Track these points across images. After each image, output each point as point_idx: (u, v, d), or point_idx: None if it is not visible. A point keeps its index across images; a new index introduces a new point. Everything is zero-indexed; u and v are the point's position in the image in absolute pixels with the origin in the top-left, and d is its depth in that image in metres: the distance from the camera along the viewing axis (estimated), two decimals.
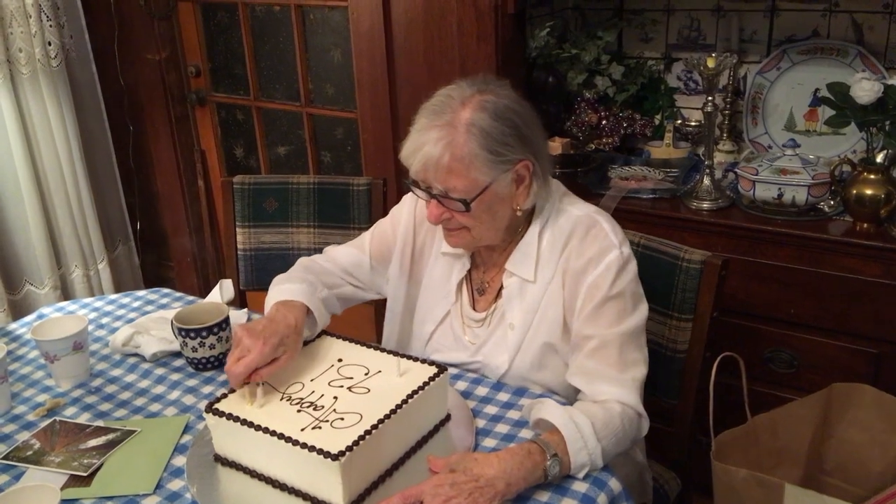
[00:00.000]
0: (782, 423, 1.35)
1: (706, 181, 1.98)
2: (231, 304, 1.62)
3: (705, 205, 1.96)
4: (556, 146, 2.20)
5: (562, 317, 1.33)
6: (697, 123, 2.28)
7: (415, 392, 1.15)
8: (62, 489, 1.12)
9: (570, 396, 1.32)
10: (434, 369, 1.21)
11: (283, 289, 1.36)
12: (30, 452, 1.23)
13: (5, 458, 1.22)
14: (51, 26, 2.65)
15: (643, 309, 1.33)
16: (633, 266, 1.33)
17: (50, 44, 2.65)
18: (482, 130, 1.23)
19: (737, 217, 1.92)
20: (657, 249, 1.59)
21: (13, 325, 1.67)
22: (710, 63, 1.86)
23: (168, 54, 2.93)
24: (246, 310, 1.71)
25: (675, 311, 1.56)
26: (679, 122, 2.31)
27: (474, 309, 1.43)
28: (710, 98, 1.92)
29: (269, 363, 1.19)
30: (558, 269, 1.34)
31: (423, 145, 1.24)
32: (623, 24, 2.34)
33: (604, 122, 2.28)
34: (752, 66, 2.17)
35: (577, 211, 1.36)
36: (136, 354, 1.51)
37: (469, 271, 1.44)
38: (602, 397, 1.23)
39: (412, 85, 2.27)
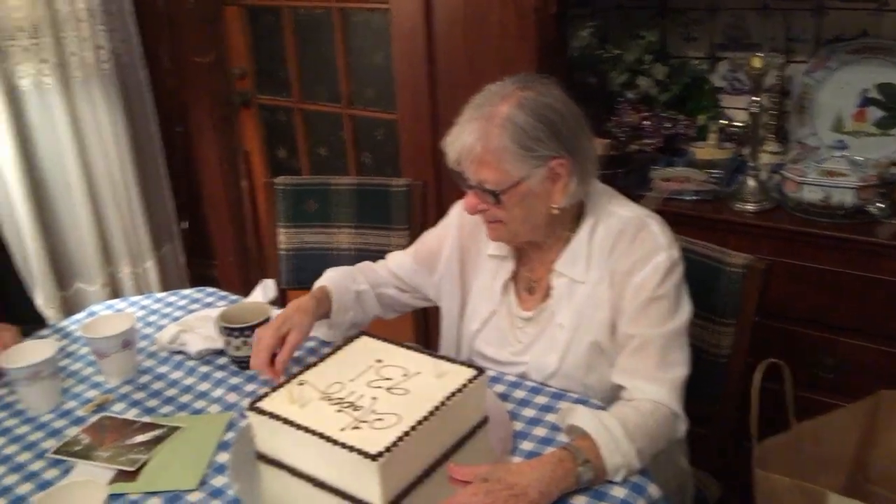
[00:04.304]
0: (826, 430, 1.33)
1: (751, 182, 1.95)
2: (273, 303, 1.65)
3: (749, 207, 1.93)
4: (596, 147, 2.18)
5: (609, 317, 1.34)
6: (742, 124, 2.24)
7: (453, 394, 1.16)
8: (110, 483, 1.16)
9: (613, 399, 1.32)
10: (472, 371, 1.22)
11: (323, 276, 1.54)
12: (79, 447, 1.27)
13: (56, 452, 1.26)
14: (102, 31, 2.72)
15: (687, 311, 1.33)
16: (680, 269, 1.34)
17: (101, 48, 2.72)
18: (515, 125, 1.26)
19: (782, 219, 1.88)
20: (699, 253, 1.58)
21: (65, 323, 1.72)
22: (757, 63, 1.83)
23: (215, 57, 2.98)
24: None
25: (718, 315, 1.55)
26: (724, 122, 2.27)
27: (522, 308, 1.44)
28: (755, 98, 1.89)
29: (282, 347, 1.36)
30: (607, 269, 1.35)
31: (460, 135, 1.30)
32: (666, 24, 2.31)
33: (646, 122, 2.26)
34: (798, 65, 2.13)
35: (627, 212, 1.37)
36: (181, 352, 1.54)
37: (517, 271, 1.46)
38: (639, 395, 1.25)
39: (452, 86, 2.27)
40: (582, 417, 1.18)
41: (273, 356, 1.36)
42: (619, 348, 1.33)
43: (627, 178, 2.15)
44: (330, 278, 1.53)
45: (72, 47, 2.65)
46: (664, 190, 2.06)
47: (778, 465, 1.25)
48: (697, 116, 2.29)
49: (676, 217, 1.96)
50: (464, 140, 1.29)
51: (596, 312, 1.35)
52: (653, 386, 1.26)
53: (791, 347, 1.87)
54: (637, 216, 1.36)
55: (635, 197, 2.00)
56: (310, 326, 1.41)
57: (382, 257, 1.65)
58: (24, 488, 1.18)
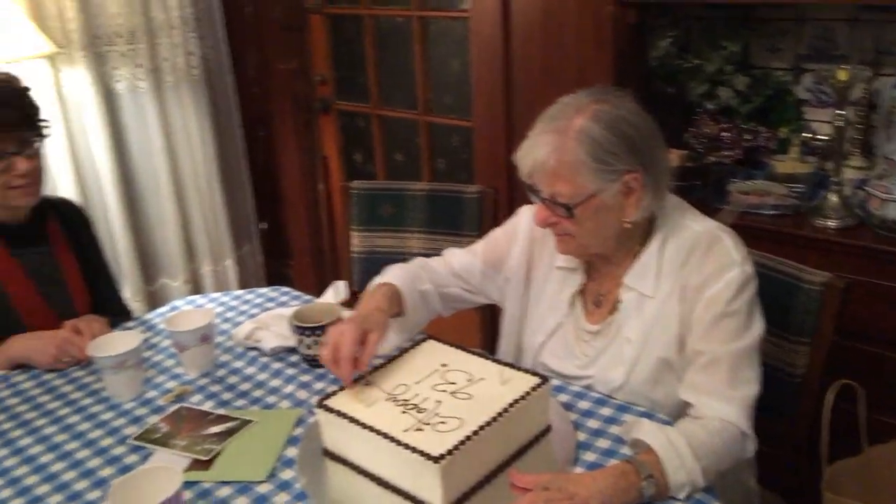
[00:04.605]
0: None
1: (833, 198, 1.89)
2: (344, 304, 1.69)
3: (831, 223, 1.87)
4: (673, 158, 2.16)
5: (678, 333, 1.32)
6: (827, 137, 2.17)
7: (516, 401, 1.17)
8: (185, 471, 1.21)
9: (680, 415, 1.30)
10: (536, 379, 1.22)
11: (387, 274, 1.48)
12: (158, 435, 1.33)
13: (136, 439, 1.33)
14: (193, 38, 2.84)
15: (759, 328, 1.30)
16: (753, 285, 1.30)
17: (192, 54, 2.85)
18: (591, 139, 1.24)
19: (865, 237, 1.82)
20: (775, 269, 1.54)
21: (149, 316, 1.81)
22: (842, 76, 1.78)
23: (298, 64, 3.08)
24: None
25: (792, 333, 1.51)
26: (807, 135, 2.21)
27: (589, 321, 1.44)
28: (840, 112, 1.83)
29: (364, 347, 1.27)
30: (677, 284, 1.33)
31: (534, 148, 1.28)
32: (750, 34, 2.26)
33: (725, 134, 2.22)
34: (887, 78, 2.05)
35: (700, 227, 1.35)
36: (255, 348, 1.60)
37: (585, 284, 1.45)
38: (707, 413, 1.22)
39: (528, 94, 2.28)
40: (647, 432, 1.17)
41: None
42: (688, 364, 1.30)
43: (704, 191, 2.12)
44: (396, 276, 1.48)
45: (165, 53, 2.78)
46: (742, 203, 2.02)
47: (848, 488, 1.21)
48: (779, 129, 2.23)
49: (754, 231, 1.93)
50: (537, 153, 1.28)
51: (665, 328, 1.33)
52: (722, 404, 1.23)
53: (870, 370, 1.79)
54: (710, 230, 1.33)
55: (712, 210, 1.98)
56: (387, 326, 1.38)
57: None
58: (107, 472, 1.25)
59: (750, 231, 1.92)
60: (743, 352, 1.26)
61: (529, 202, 1.41)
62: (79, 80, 2.59)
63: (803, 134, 2.21)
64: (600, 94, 1.30)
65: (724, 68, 2.20)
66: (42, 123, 1.67)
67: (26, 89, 1.66)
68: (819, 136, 2.19)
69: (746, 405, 1.24)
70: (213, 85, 3.02)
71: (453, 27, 2.67)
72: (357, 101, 3.08)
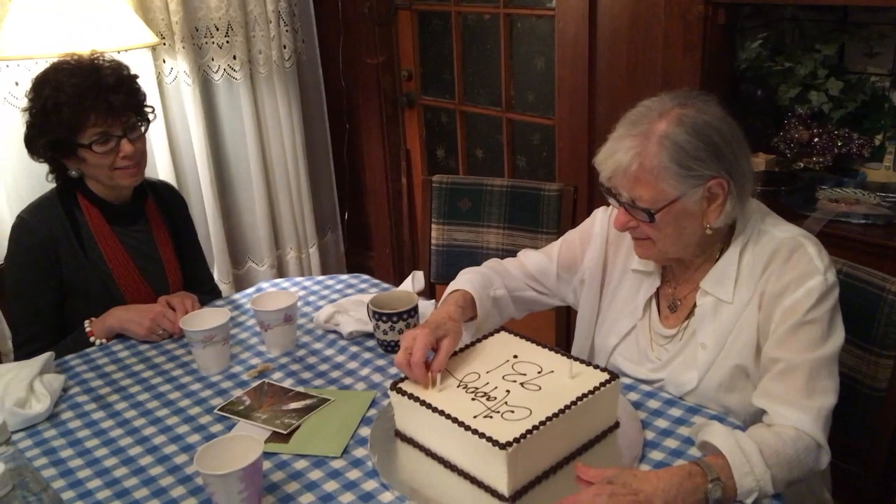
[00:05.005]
0: None
1: None
2: (421, 294, 1.73)
3: None
4: (759, 162, 2.13)
5: (755, 339, 1.31)
6: None
7: (585, 395, 1.18)
8: (265, 442, 1.28)
9: (754, 422, 1.29)
10: (606, 375, 1.24)
11: (461, 278, 1.50)
12: (241, 407, 1.41)
13: (221, 409, 1.40)
14: (287, 31, 2.94)
15: (838, 338, 1.27)
16: (835, 294, 1.28)
17: (285, 47, 2.95)
18: (675, 144, 1.23)
19: None
20: (860, 278, 1.50)
21: (236, 296, 1.90)
22: None
23: (385, 58, 3.15)
24: (433, 301, 1.82)
25: (876, 345, 1.46)
26: None
27: (664, 325, 1.43)
28: None
29: (435, 353, 1.28)
30: (756, 290, 1.31)
31: (615, 152, 1.27)
32: (845, 38, 2.19)
33: (815, 139, 2.16)
34: None
35: (781, 233, 1.32)
36: (334, 331, 1.66)
37: (660, 287, 1.45)
38: (781, 421, 1.20)
39: (612, 95, 2.28)
40: (717, 435, 1.16)
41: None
42: (763, 371, 1.28)
43: (791, 197, 2.07)
44: (469, 281, 1.49)
45: (259, 45, 2.89)
46: (830, 211, 1.97)
47: None
48: (874, 136, 2.16)
49: (842, 241, 1.88)
50: (619, 157, 1.26)
51: (741, 334, 1.31)
52: (797, 413, 1.21)
53: None
54: (792, 237, 1.31)
55: (799, 216, 1.94)
56: (460, 333, 1.37)
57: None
58: (193, 438, 1.33)
59: (838, 240, 1.88)
60: (821, 361, 1.24)
61: (607, 200, 1.42)
62: (178, 70, 2.73)
63: None
64: (684, 97, 1.29)
65: (817, 72, 2.15)
66: (147, 109, 1.77)
67: (135, 76, 1.77)
68: None
69: (822, 416, 1.22)
70: (303, 77, 3.12)
71: (539, 25, 2.68)
72: (441, 96, 3.13)
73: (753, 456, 1.11)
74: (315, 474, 1.22)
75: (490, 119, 2.97)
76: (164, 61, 2.70)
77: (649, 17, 2.12)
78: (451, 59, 3.01)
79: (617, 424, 1.27)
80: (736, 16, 2.07)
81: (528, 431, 1.10)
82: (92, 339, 1.66)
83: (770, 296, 1.29)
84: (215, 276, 2.77)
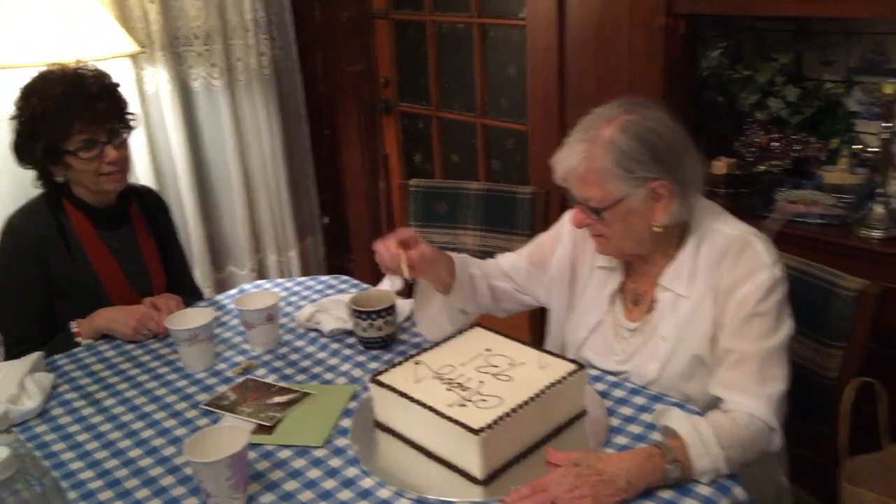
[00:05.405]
0: None
1: (879, 209, 1.92)
2: (399, 294, 1.80)
3: (876, 234, 1.90)
4: (721, 166, 2.22)
5: (711, 332, 1.39)
6: (876, 150, 2.19)
7: (553, 384, 1.26)
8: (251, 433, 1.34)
9: (711, 408, 1.37)
10: (573, 366, 1.32)
11: None
12: (226, 402, 1.46)
13: (207, 404, 1.46)
14: (265, 39, 3.00)
15: (787, 328, 1.36)
16: (783, 287, 1.36)
17: (263, 55, 3.01)
18: (618, 148, 1.33)
19: None
20: (814, 275, 1.59)
21: (219, 297, 1.96)
22: (888, 89, 1.82)
23: (363, 66, 3.22)
24: (411, 300, 1.88)
25: (828, 337, 1.56)
26: (858, 147, 2.23)
27: (628, 319, 1.52)
28: (887, 124, 1.87)
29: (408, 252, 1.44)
30: (710, 285, 1.39)
31: (567, 155, 1.39)
32: (802, 47, 2.30)
33: (775, 144, 2.26)
34: None
35: (732, 231, 1.41)
36: (316, 330, 1.73)
37: (624, 283, 1.53)
38: (736, 407, 1.29)
39: (581, 101, 2.36)
40: (676, 419, 1.24)
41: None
42: (718, 361, 1.37)
43: (752, 198, 2.16)
44: (452, 255, 1.59)
45: (238, 53, 2.95)
46: (788, 212, 2.06)
47: (868, 483, 1.26)
48: (830, 140, 2.26)
49: (799, 240, 1.97)
50: (570, 160, 1.38)
51: (698, 327, 1.40)
52: (750, 399, 1.29)
53: None
54: (742, 234, 1.40)
55: (759, 217, 2.03)
56: (431, 253, 1.47)
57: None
58: (180, 431, 1.39)
59: (796, 239, 1.97)
60: (772, 350, 1.33)
61: None
62: (158, 78, 2.78)
63: (853, 146, 2.23)
64: (631, 105, 1.39)
65: (776, 79, 2.25)
66: (129, 116, 1.83)
67: (117, 85, 1.82)
68: (869, 149, 2.21)
69: (773, 401, 1.30)
70: (282, 84, 3.17)
71: (511, 34, 2.77)
72: (418, 102, 3.21)
73: (709, 439, 1.19)
74: (298, 462, 1.28)
75: (465, 125, 3.04)
76: (144, 70, 2.75)
77: (615, 27, 2.21)
78: (427, 66, 3.09)
79: (584, 412, 1.34)
80: (697, 26, 2.16)
81: (500, 418, 1.18)
82: (79, 339, 1.72)
83: (723, 290, 1.37)
84: (197, 280, 2.81)
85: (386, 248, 1.45)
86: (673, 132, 1.37)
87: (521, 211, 2.20)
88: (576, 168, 1.37)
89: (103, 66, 1.86)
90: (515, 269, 1.66)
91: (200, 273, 2.94)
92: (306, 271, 3.32)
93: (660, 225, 1.39)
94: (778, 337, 1.33)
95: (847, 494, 1.27)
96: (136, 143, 2.70)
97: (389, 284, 1.86)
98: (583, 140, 1.37)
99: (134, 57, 2.66)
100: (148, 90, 2.78)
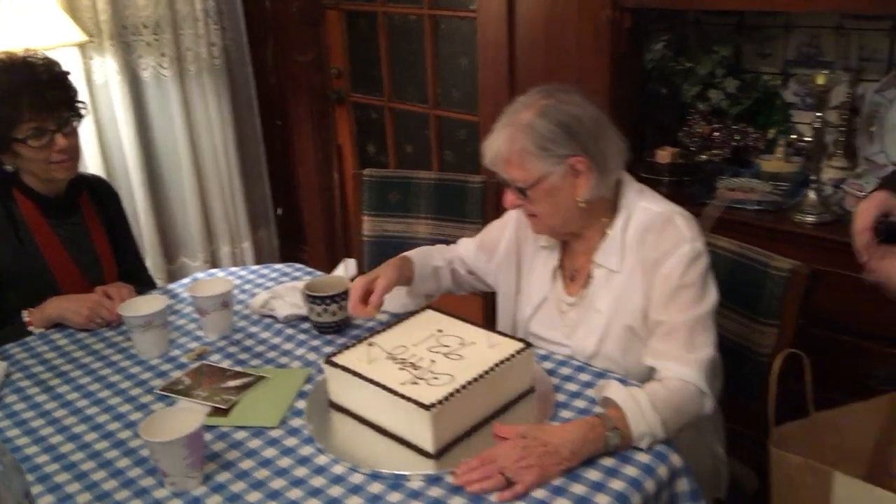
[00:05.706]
0: (845, 421, 1.40)
1: (812, 195, 2.02)
2: (352, 280, 1.83)
3: (809, 219, 2.00)
4: (665, 155, 2.30)
5: (642, 305, 1.47)
6: (810, 139, 2.30)
7: (501, 362, 1.31)
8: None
9: (648, 380, 1.44)
10: (521, 345, 1.37)
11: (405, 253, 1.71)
12: (181, 387, 1.48)
13: (162, 390, 1.48)
14: (215, 29, 2.99)
15: (712, 297, 1.44)
16: (704, 259, 1.45)
17: (214, 45, 3.00)
18: (534, 130, 1.42)
19: (840, 232, 1.92)
20: (749, 257, 1.67)
21: (172, 286, 1.96)
22: (820, 80, 1.91)
23: (314, 56, 3.23)
24: None
25: (762, 315, 1.64)
26: (793, 136, 2.34)
27: (567, 294, 1.60)
28: (819, 114, 1.96)
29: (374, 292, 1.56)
30: (638, 260, 1.48)
31: (493, 141, 1.47)
32: (741, 40, 2.39)
33: (716, 133, 2.35)
34: (871, 84, 2.18)
35: (657, 207, 1.50)
36: (270, 316, 1.75)
37: (563, 260, 1.61)
38: (668, 374, 1.37)
39: None
40: (614, 390, 1.32)
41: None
42: (650, 333, 1.45)
43: (694, 186, 2.25)
44: (412, 252, 1.73)
45: (188, 43, 2.93)
46: (727, 198, 2.15)
47: (796, 448, 1.34)
48: (767, 130, 2.36)
49: (738, 225, 2.06)
50: (495, 144, 1.47)
51: (630, 300, 1.48)
52: (681, 366, 1.37)
53: (848, 358, 1.91)
54: (665, 211, 1.49)
55: (700, 204, 2.11)
56: (396, 279, 1.60)
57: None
58: (135, 416, 1.40)
59: (735, 224, 2.05)
60: (698, 319, 1.41)
61: None
62: (107, 68, 2.75)
63: (789, 135, 2.34)
64: (549, 91, 1.47)
65: (716, 71, 2.33)
66: (80, 104, 1.82)
67: (66, 73, 1.81)
68: (805, 138, 2.32)
69: (703, 367, 1.38)
70: (232, 75, 3.17)
71: (462, 27, 2.81)
72: (371, 93, 3.23)
73: (645, 405, 1.26)
74: (254, 443, 1.31)
75: (418, 115, 3.08)
76: (92, 59, 2.72)
77: (563, 20, 2.26)
78: (380, 57, 3.11)
79: (532, 389, 1.40)
80: (642, 19, 2.23)
81: (451, 394, 1.22)
82: (31, 328, 1.71)
83: (650, 264, 1.46)
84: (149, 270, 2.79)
85: (363, 312, 1.56)
86: (588, 113, 1.45)
87: (472, 199, 2.24)
88: (499, 151, 1.46)
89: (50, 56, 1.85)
90: (469, 255, 1.76)
91: (152, 264, 2.92)
92: (260, 262, 3.33)
93: (583, 199, 1.46)
94: (704, 306, 1.42)
95: (775, 459, 1.35)
96: (86, 134, 2.68)
97: (344, 271, 1.90)
98: (505, 125, 1.46)
99: (82, 46, 2.64)
100: (97, 80, 2.76)
